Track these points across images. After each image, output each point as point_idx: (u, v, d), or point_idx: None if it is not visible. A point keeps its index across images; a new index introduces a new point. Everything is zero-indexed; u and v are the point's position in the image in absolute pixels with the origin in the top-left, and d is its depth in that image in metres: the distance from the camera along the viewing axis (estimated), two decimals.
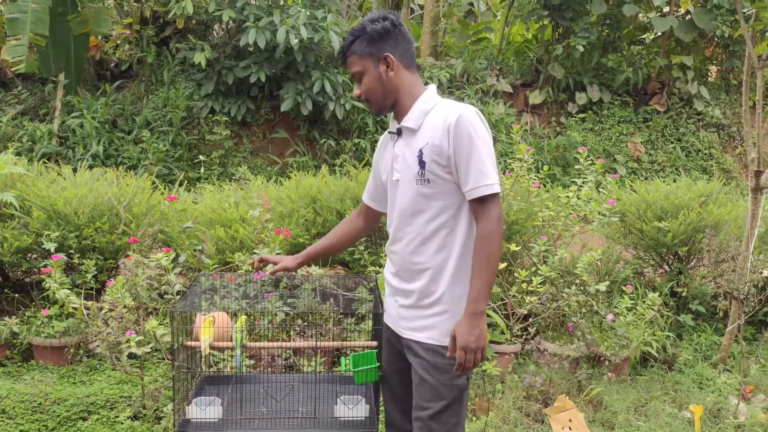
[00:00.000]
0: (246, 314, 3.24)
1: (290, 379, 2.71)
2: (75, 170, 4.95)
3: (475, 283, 1.98)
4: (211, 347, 2.41)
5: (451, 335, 2.00)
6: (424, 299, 2.11)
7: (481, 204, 1.99)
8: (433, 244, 2.08)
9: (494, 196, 1.99)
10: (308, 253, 2.49)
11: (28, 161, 5.33)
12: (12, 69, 7.22)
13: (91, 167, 5.49)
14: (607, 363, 4.09)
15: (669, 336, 4.49)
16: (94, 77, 8.85)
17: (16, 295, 4.40)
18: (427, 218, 2.07)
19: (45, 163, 5.76)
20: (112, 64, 9.07)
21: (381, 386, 2.38)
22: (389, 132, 2.22)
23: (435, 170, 2.02)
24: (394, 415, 2.36)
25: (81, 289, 3.97)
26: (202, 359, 2.65)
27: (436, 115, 2.05)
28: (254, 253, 3.94)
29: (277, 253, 3.87)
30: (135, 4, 8.39)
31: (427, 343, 2.09)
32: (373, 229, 4.12)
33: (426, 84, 2.17)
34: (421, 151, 2.03)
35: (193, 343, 2.40)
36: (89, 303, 3.56)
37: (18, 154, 6.85)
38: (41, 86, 8.44)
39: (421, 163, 2.03)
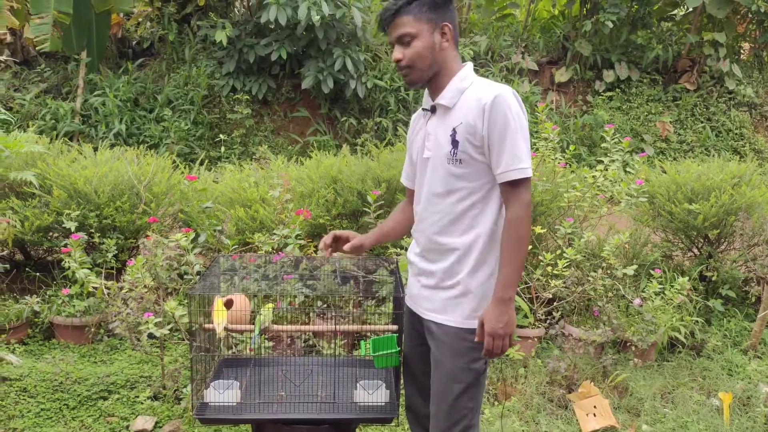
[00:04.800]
0: (271, 299, 3.20)
1: (309, 363, 2.67)
2: (96, 149, 4.94)
3: (504, 269, 1.94)
4: (228, 330, 2.37)
5: (479, 321, 1.96)
6: (447, 280, 2.05)
7: (511, 188, 1.93)
8: (461, 225, 2.02)
9: (526, 180, 1.92)
10: (381, 232, 2.37)
11: (50, 140, 5.33)
12: (37, 47, 7.22)
13: (113, 146, 5.48)
14: (633, 348, 3.99)
15: (698, 321, 4.38)
16: (115, 55, 8.84)
17: (38, 274, 4.42)
18: (456, 198, 2.01)
19: (67, 142, 5.77)
20: (134, 42, 9.05)
21: (402, 370, 2.34)
22: (423, 109, 2.14)
23: (468, 150, 1.95)
24: (414, 400, 2.34)
25: (102, 268, 3.97)
26: (220, 342, 2.62)
27: (472, 95, 1.96)
28: (274, 233, 3.90)
29: (297, 235, 3.82)
30: None
31: (447, 325, 2.05)
32: None
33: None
34: (454, 130, 1.96)
35: (210, 326, 2.36)
36: (109, 283, 3.55)
37: (41, 132, 6.88)
38: (64, 64, 8.46)
39: (454, 143, 1.96)
